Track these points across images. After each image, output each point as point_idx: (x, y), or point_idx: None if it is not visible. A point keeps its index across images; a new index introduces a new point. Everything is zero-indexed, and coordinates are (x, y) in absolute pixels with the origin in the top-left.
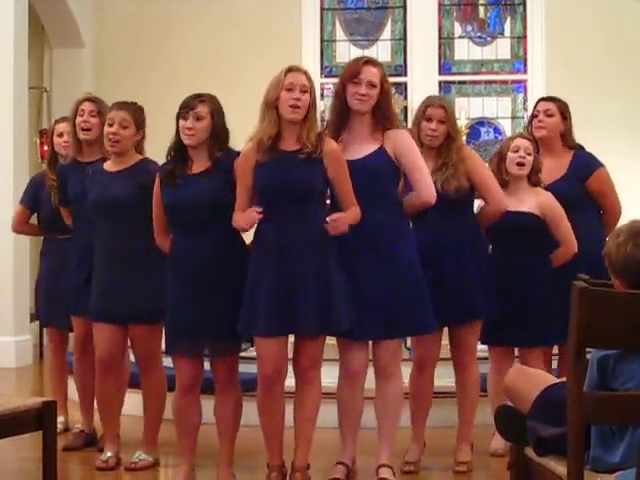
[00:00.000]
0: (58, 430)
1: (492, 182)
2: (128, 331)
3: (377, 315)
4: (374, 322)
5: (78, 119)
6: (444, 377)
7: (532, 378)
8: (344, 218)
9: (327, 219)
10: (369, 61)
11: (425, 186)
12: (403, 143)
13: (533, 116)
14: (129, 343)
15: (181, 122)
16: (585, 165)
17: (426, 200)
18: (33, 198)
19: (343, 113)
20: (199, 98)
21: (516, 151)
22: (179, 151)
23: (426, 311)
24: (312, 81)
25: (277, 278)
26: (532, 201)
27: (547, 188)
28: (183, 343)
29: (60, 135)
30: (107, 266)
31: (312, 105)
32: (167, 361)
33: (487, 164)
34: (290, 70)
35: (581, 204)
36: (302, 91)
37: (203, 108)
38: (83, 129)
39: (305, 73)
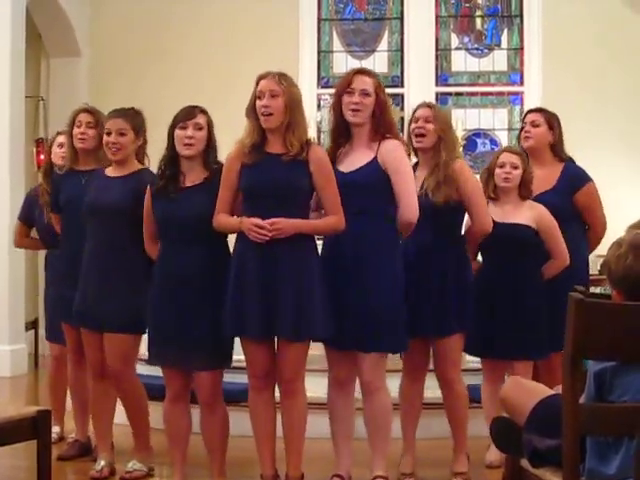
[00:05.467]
0: (53, 440)
1: (480, 200)
2: (103, 339)
3: (353, 326)
4: (351, 332)
5: (75, 130)
6: (436, 388)
7: (528, 390)
8: (273, 226)
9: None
10: (361, 71)
11: (408, 206)
12: (393, 158)
13: (521, 128)
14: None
15: (179, 132)
16: (574, 178)
17: (407, 221)
18: (28, 214)
19: (341, 126)
20: (198, 108)
21: (502, 166)
22: (171, 164)
23: (397, 329)
24: (287, 83)
25: (262, 280)
26: (526, 213)
27: (536, 199)
28: (167, 355)
29: (60, 146)
30: (90, 271)
31: (291, 108)
32: (148, 369)
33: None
34: (261, 78)
35: (568, 217)
36: (272, 96)
37: (202, 118)
38: (80, 139)
39: (275, 77)
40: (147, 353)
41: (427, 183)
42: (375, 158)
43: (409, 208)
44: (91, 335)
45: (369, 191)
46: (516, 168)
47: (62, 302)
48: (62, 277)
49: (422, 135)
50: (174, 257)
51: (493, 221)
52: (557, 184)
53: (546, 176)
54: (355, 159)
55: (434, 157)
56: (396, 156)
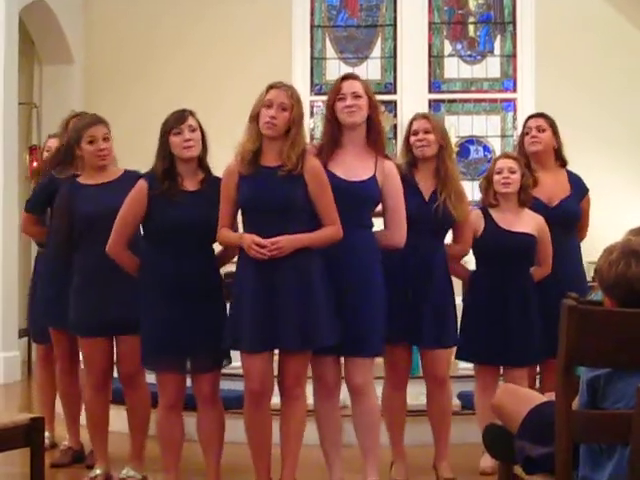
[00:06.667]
0: (45, 446)
1: (468, 225)
2: (117, 346)
3: (347, 331)
4: (345, 337)
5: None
6: (421, 395)
7: (521, 397)
8: (274, 245)
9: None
10: (348, 76)
11: (400, 232)
12: (394, 184)
13: (525, 133)
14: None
15: (175, 139)
16: (581, 185)
17: (397, 244)
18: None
19: (335, 134)
20: (187, 111)
21: (499, 172)
22: (169, 170)
23: (382, 333)
24: (296, 99)
25: (259, 293)
26: (529, 222)
27: (560, 205)
28: (165, 359)
29: (49, 150)
30: (100, 277)
31: (295, 123)
32: (149, 377)
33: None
34: (272, 87)
35: (577, 223)
36: (281, 109)
37: (193, 120)
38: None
39: (287, 90)
40: (142, 359)
41: (444, 195)
42: (374, 175)
43: (401, 233)
44: (101, 343)
45: (369, 202)
46: (514, 172)
47: (48, 306)
48: (51, 280)
49: (424, 145)
50: (175, 262)
51: (499, 228)
52: (572, 190)
53: (558, 182)
54: (355, 168)
55: (437, 168)
56: (396, 182)
